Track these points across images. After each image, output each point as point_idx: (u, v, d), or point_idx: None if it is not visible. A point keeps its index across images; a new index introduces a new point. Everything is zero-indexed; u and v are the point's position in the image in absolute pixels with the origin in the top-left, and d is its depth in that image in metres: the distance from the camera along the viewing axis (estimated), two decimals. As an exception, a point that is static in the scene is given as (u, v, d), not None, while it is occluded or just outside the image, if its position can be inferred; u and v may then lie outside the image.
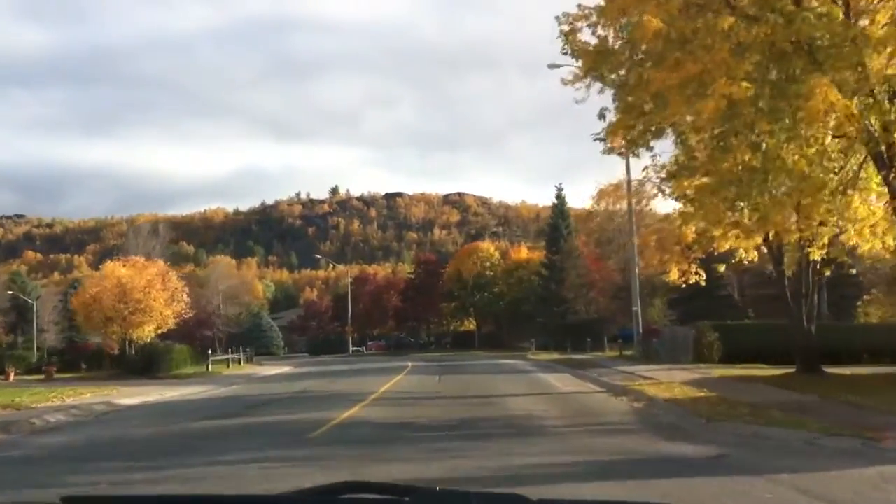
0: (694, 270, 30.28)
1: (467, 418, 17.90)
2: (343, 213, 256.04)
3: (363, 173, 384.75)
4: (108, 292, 39.56)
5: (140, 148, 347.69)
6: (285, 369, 48.62)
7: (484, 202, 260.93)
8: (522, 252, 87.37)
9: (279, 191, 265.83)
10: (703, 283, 31.28)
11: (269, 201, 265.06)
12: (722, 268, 28.88)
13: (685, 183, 21.50)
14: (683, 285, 31.47)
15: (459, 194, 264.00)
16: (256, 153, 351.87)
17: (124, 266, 42.50)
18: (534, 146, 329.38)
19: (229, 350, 57.42)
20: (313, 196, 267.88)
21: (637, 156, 27.55)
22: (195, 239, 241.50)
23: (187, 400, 26.79)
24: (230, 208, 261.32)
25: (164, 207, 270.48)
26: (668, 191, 26.61)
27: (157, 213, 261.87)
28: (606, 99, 23.36)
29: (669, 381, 25.66)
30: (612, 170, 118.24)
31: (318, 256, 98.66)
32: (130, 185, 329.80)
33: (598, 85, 24.76)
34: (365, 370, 42.65)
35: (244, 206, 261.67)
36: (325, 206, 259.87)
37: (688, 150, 22.77)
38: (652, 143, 25.58)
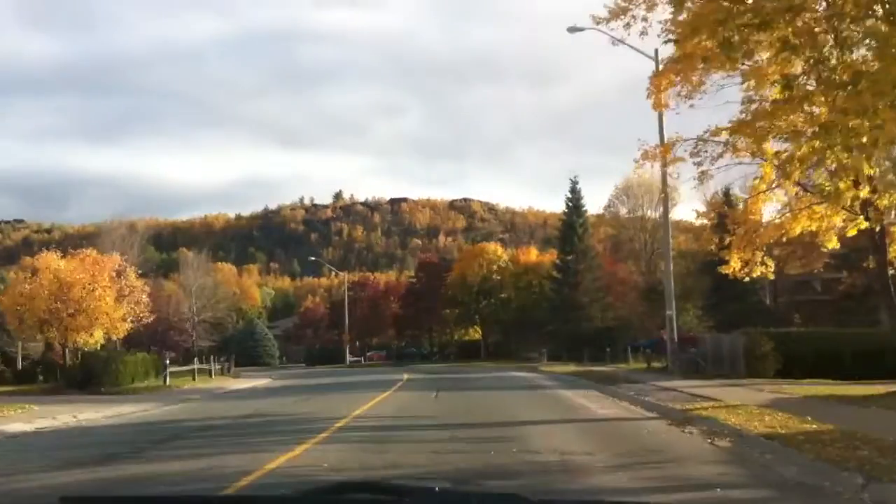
0: (760, 260, 23.53)
1: (470, 470, 11.10)
2: (346, 219, 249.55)
3: (368, 182, 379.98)
4: (43, 289, 32.92)
5: (146, 157, 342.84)
6: (261, 382, 42.06)
7: (490, 208, 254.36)
8: (532, 254, 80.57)
9: (284, 198, 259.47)
10: (770, 276, 24.63)
11: (272, 206, 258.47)
12: (832, 243, 22.17)
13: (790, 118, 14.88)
14: (745, 278, 24.70)
15: (465, 200, 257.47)
16: (262, 162, 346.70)
17: (64, 258, 35.95)
18: (539, 156, 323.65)
19: (212, 360, 50.68)
20: (317, 201, 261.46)
21: (692, 106, 21.47)
22: (195, 245, 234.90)
23: (98, 426, 20.11)
24: (232, 214, 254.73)
25: (168, 214, 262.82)
26: (741, 145, 20.04)
27: (157, 218, 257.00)
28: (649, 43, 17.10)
29: (741, 404, 18.99)
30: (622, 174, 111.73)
31: (313, 258, 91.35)
32: (136, 194, 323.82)
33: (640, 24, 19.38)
34: (352, 384, 36.09)
35: (246, 212, 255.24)
36: (329, 212, 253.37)
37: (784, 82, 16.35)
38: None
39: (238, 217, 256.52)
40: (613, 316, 65.22)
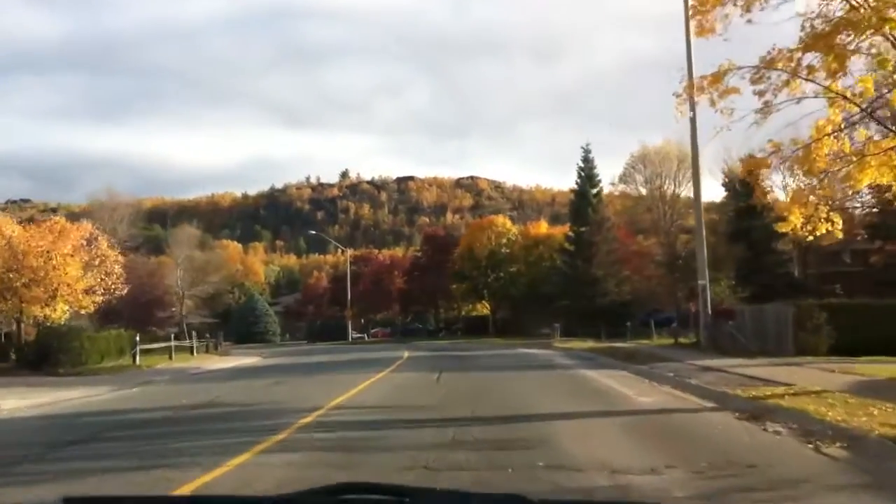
0: (825, 215, 19.24)
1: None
2: (353, 198, 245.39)
3: (374, 161, 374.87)
4: (-7, 256, 28.71)
5: (151, 136, 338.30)
6: (248, 360, 38.07)
7: (497, 186, 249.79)
8: (542, 227, 76.19)
9: (290, 178, 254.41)
10: (839, 234, 20.31)
11: (279, 185, 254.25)
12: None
13: None
14: (808, 237, 20.40)
15: (472, 178, 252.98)
16: (267, 141, 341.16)
17: (21, 224, 31.81)
18: (545, 133, 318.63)
19: (194, 336, 46.56)
20: (323, 180, 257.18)
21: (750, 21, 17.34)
22: (201, 223, 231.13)
23: (12, 418, 16.01)
24: (238, 193, 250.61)
25: (174, 193, 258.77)
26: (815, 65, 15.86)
27: (163, 197, 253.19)
28: None
29: (823, 390, 14.80)
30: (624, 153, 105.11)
31: (314, 232, 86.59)
32: (142, 173, 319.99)
33: None
34: (345, 363, 32.00)
35: (252, 191, 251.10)
36: (335, 191, 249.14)
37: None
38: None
39: (244, 196, 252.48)
40: (630, 290, 60.93)
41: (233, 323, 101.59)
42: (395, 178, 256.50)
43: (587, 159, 62.07)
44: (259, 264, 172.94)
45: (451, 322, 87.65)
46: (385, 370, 25.56)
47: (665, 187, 56.49)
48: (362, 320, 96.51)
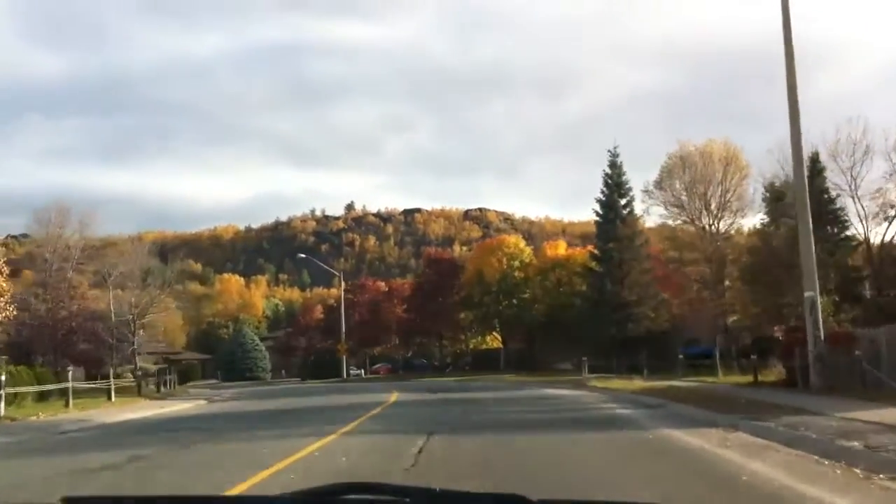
0: None
1: None
2: (358, 230, 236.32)
3: (382, 197, 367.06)
4: None
5: (159, 174, 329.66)
6: (182, 407, 28.12)
7: (506, 218, 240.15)
8: (560, 247, 66.28)
9: (295, 213, 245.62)
10: None
11: (283, 218, 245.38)
12: None
13: None
14: None
15: (481, 210, 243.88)
16: (274, 179, 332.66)
17: None
18: (553, 169, 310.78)
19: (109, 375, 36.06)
20: (328, 213, 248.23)
21: None
22: (203, 257, 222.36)
23: None
24: (241, 226, 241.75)
25: (176, 227, 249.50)
26: None
27: (164, 231, 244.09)
28: None
29: None
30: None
31: (302, 256, 74.87)
32: (150, 211, 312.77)
33: None
34: (303, 411, 22.29)
35: (256, 224, 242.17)
36: (340, 223, 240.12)
37: None
38: None
39: (248, 229, 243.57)
40: (668, 316, 51.02)
41: (219, 359, 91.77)
42: (401, 210, 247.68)
43: (615, 164, 52.35)
44: (258, 298, 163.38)
45: (459, 356, 77.68)
46: (348, 425, 15.72)
47: (709, 194, 46.80)
48: (363, 354, 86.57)
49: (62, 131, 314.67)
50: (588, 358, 57.35)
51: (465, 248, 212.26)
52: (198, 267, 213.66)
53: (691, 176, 46.53)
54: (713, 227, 46.88)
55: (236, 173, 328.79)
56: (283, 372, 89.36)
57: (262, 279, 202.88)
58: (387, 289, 74.97)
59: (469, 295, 64.61)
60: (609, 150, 52.63)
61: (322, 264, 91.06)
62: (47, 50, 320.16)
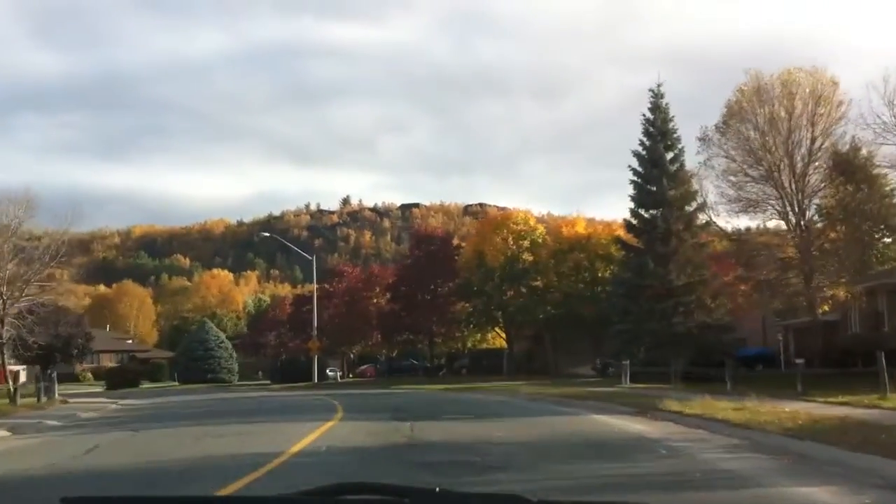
0: None
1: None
2: (354, 225, 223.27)
3: (379, 196, 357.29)
4: None
5: (156, 172, 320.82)
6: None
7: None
8: (578, 225, 52.75)
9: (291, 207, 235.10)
10: None
11: (276, 213, 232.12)
12: None
13: None
14: None
15: (481, 205, 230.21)
16: (272, 178, 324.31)
17: None
18: (549, 170, 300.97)
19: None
20: (323, 207, 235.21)
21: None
22: (192, 252, 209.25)
23: None
24: (233, 220, 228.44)
25: (165, 221, 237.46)
26: None
27: (154, 225, 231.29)
28: None
29: None
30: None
31: (266, 234, 59.66)
32: (147, 209, 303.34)
33: None
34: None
35: (248, 218, 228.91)
36: (335, 218, 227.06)
37: None
38: None
39: (239, 223, 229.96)
40: (728, 310, 37.73)
41: (177, 358, 78.52)
42: (399, 204, 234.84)
43: (657, 107, 38.79)
44: (245, 293, 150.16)
45: (454, 357, 64.43)
46: None
47: (795, 137, 33.54)
48: (351, 355, 73.34)
49: (60, 128, 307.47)
50: (612, 360, 45.02)
51: (464, 244, 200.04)
52: (186, 262, 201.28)
53: (769, 114, 33.32)
54: (796, 185, 33.64)
55: (234, 172, 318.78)
56: (260, 373, 76.06)
57: (253, 275, 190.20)
58: (365, 277, 61.40)
59: (467, 282, 51.36)
60: (651, 90, 39.22)
61: (291, 245, 78.20)
62: (46, 47, 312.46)
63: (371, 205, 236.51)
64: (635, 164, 39.17)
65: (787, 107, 33.31)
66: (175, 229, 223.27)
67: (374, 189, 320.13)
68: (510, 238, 51.46)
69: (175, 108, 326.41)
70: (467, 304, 53.21)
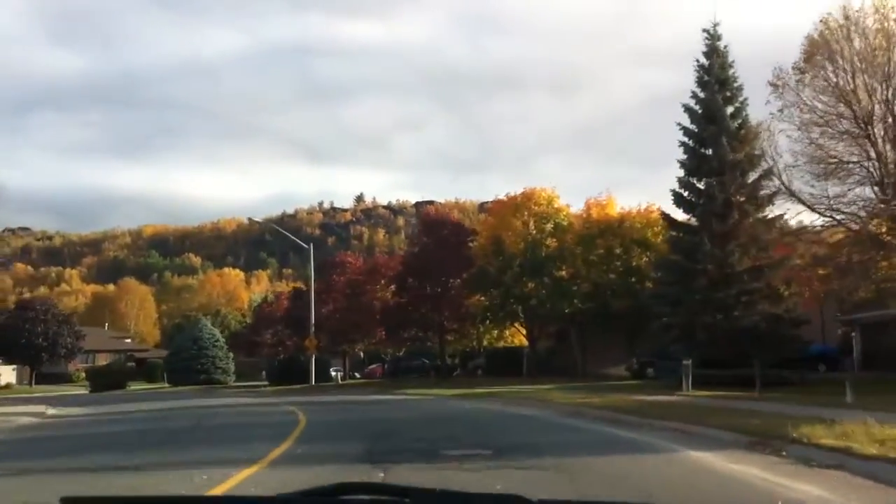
0: None
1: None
2: (368, 223, 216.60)
3: (394, 195, 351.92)
4: None
5: (172, 171, 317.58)
6: None
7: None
8: (610, 207, 45.46)
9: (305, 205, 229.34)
10: None
11: (290, 211, 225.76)
12: None
13: None
14: None
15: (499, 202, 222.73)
16: (287, 177, 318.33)
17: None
18: (564, 169, 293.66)
19: None
20: (336, 205, 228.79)
21: None
22: (203, 251, 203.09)
23: None
24: (244, 218, 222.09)
25: (178, 221, 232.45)
26: None
27: (166, 225, 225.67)
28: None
29: None
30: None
31: (258, 220, 52.34)
32: (161, 209, 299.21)
33: None
34: None
35: (260, 216, 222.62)
36: (349, 216, 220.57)
37: None
38: None
39: (251, 221, 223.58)
40: (802, 300, 30.47)
41: (169, 358, 71.91)
42: (413, 202, 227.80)
43: (715, 51, 31.47)
44: (248, 291, 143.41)
45: (469, 356, 57.32)
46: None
47: None
48: (361, 354, 66.54)
49: (76, 128, 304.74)
50: (645, 358, 38.38)
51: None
52: (197, 261, 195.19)
53: (861, 50, 26.12)
54: (893, 141, 26.42)
55: (247, 172, 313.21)
56: (264, 374, 69.23)
57: (264, 274, 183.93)
58: (368, 267, 54.15)
59: (482, 272, 44.22)
60: (706, 31, 31.80)
61: (287, 234, 71.65)
62: (62, 48, 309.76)
63: (385, 202, 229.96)
64: (686, 120, 31.92)
65: (884, 38, 26.07)
66: (187, 228, 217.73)
67: (388, 188, 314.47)
68: (531, 221, 44.30)
69: (189, 107, 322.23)
70: (483, 297, 46.08)
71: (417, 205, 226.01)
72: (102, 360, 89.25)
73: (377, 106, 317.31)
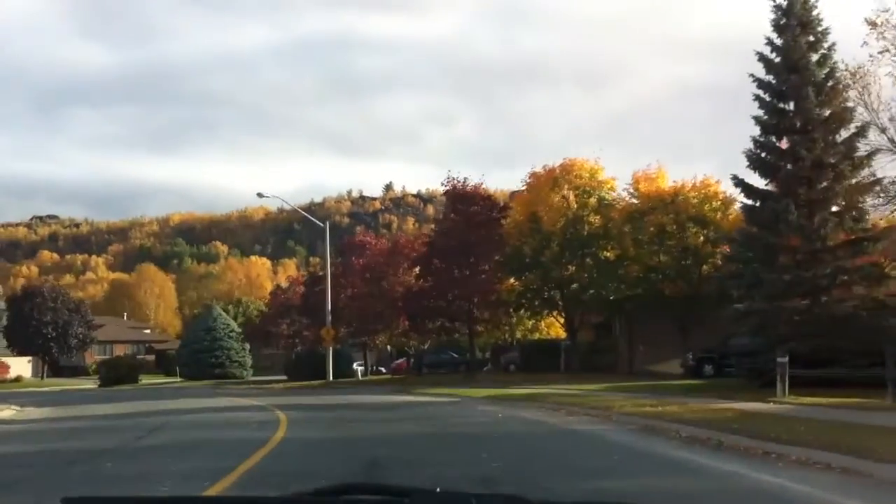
0: None
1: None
2: (397, 211, 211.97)
3: (423, 185, 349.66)
4: None
5: (204, 164, 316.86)
6: None
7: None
8: (661, 180, 39.91)
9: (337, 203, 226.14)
10: None
11: (318, 199, 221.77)
12: None
13: None
14: None
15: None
16: (317, 169, 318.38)
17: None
18: (597, 160, 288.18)
19: None
20: (365, 193, 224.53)
21: None
22: (231, 239, 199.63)
23: None
24: (273, 207, 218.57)
25: (205, 209, 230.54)
26: None
27: (193, 213, 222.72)
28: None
29: None
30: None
31: (263, 195, 48.31)
32: (193, 199, 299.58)
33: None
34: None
35: (288, 205, 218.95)
36: (377, 204, 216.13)
37: None
38: None
39: (280, 210, 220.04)
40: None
41: (181, 349, 67.56)
42: (443, 191, 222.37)
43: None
44: (273, 280, 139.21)
45: (501, 349, 52.17)
46: None
47: None
48: (388, 347, 61.66)
49: (112, 122, 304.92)
50: (703, 352, 33.45)
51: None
52: (224, 249, 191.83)
53: None
54: None
55: (279, 163, 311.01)
56: (286, 367, 64.69)
57: (291, 262, 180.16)
58: (389, 250, 48.99)
59: (517, 252, 39.02)
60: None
61: (299, 210, 67.21)
62: (97, 43, 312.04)
63: (414, 191, 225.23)
64: (760, 71, 26.37)
65: None
66: (214, 216, 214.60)
67: (418, 179, 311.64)
68: (571, 196, 38.93)
69: (222, 100, 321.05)
70: (517, 282, 40.89)
71: (447, 193, 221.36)
72: (120, 352, 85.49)
73: (408, 99, 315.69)
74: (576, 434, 13.53)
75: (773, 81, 26.09)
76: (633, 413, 15.98)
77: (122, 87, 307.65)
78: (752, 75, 26.38)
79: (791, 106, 25.79)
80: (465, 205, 40.80)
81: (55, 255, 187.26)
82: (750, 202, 26.58)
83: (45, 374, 72.20)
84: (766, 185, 26.43)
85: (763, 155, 26.09)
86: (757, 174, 26.68)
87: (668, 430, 13.10)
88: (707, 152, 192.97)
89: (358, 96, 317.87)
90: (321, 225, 51.08)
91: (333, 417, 17.52)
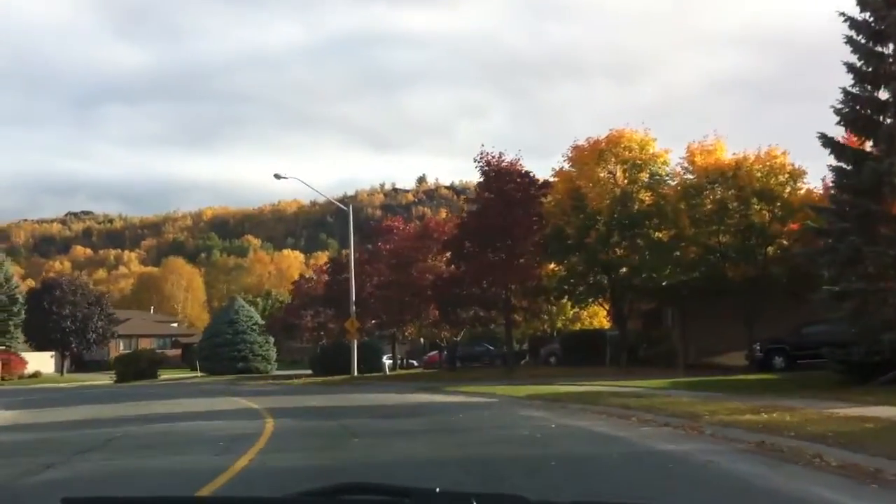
0: None
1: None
2: (430, 203, 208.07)
3: (456, 178, 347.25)
4: None
5: (237, 160, 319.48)
6: None
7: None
8: (719, 150, 35.38)
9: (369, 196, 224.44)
10: None
11: (350, 192, 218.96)
12: None
13: None
14: None
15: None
16: (350, 164, 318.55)
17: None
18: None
19: None
20: (398, 186, 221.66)
21: None
22: (263, 233, 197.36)
23: None
24: (306, 200, 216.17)
25: (236, 203, 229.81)
26: None
27: (227, 207, 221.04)
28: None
29: None
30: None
31: (281, 176, 44.48)
32: (226, 194, 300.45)
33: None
34: None
35: (321, 198, 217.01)
36: (410, 196, 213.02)
37: None
38: None
39: (313, 203, 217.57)
40: None
41: (202, 343, 64.36)
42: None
43: None
44: (299, 272, 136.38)
45: (540, 341, 48.03)
46: None
47: None
48: (421, 340, 57.94)
49: (144, 120, 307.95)
50: (772, 343, 29.35)
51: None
52: (256, 242, 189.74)
53: None
54: None
55: (312, 158, 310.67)
56: (309, 361, 61.29)
57: (323, 255, 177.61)
58: (418, 233, 45.11)
59: (558, 233, 34.87)
60: None
61: (318, 191, 63.52)
62: (131, 42, 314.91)
63: (447, 183, 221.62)
64: (853, 10, 22.01)
65: None
66: (247, 210, 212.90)
67: (451, 172, 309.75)
68: (619, 171, 34.68)
69: (254, 98, 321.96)
70: (559, 266, 36.79)
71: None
72: (145, 346, 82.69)
73: (440, 93, 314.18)
74: (672, 461, 9.39)
75: (869, 20, 21.71)
76: (732, 423, 11.90)
77: (157, 85, 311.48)
78: (841, 13, 22.00)
79: (891, 49, 21.43)
80: (500, 182, 36.71)
81: (88, 251, 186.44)
82: (841, 164, 22.20)
83: (66, 370, 69.45)
84: (860, 142, 22.09)
85: (857, 108, 21.73)
86: (847, 131, 22.34)
87: (799, 452, 9.03)
88: (745, 143, 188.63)
89: (389, 91, 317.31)
90: (344, 208, 47.46)
91: (333, 429, 13.61)
